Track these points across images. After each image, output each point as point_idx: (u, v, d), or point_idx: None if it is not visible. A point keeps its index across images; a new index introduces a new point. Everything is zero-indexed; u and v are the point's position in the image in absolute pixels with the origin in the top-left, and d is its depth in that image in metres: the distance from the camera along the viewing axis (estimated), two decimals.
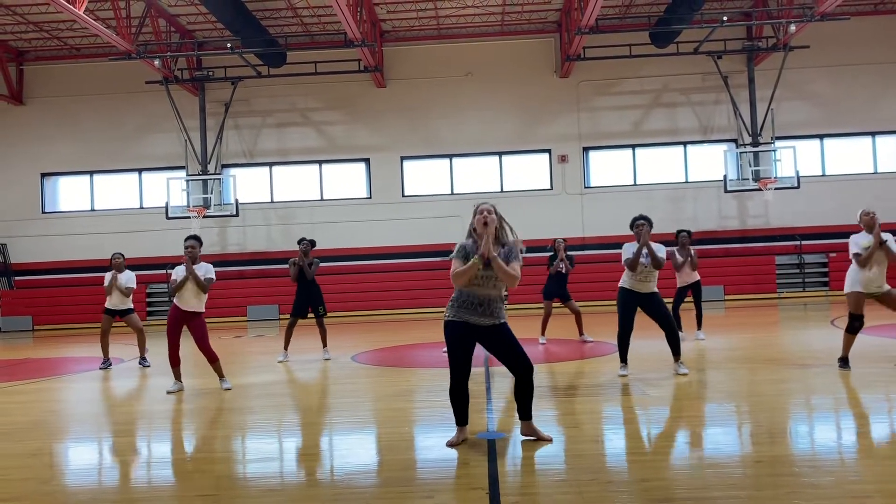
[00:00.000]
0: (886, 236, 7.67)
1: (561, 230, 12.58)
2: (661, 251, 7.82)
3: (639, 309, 7.89)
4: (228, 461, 5.36)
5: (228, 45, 19.50)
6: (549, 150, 22.05)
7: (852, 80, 21.46)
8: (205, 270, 8.19)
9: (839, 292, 19.85)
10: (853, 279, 7.77)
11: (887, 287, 7.72)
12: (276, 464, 5.27)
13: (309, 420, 6.78)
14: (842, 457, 4.80)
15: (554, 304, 11.62)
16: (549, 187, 22.03)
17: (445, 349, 11.15)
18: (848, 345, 7.87)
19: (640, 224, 7.88)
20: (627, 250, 7.88)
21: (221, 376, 8.37)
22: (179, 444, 6.10)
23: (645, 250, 7.77)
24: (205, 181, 21.45)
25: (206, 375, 9.01)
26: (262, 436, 6.14)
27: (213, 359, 8.31)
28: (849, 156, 21.82)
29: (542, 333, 11.44)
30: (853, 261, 7.72)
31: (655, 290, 7.89)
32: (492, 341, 5.25)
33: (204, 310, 8.27)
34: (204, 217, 20.97)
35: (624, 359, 8.04)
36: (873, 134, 21.78)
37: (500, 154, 22.17)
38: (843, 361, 7.84)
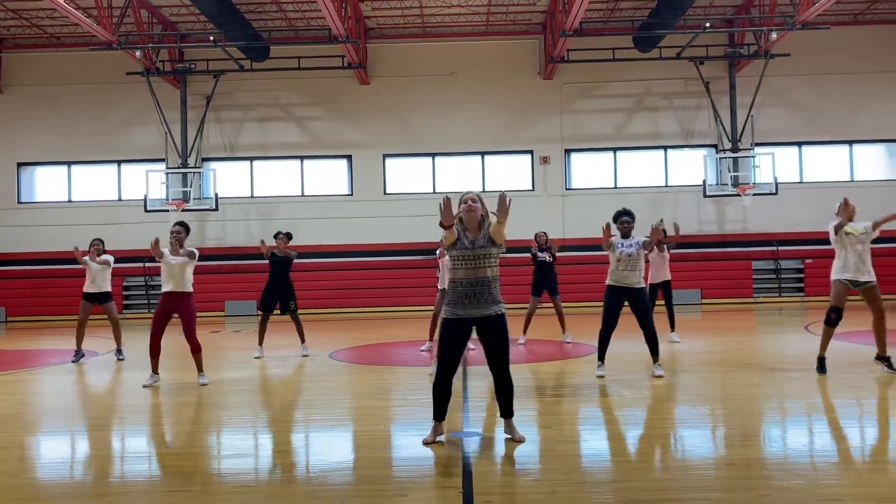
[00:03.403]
0: (866, 224, 7.84)
1: (542, 231, 12.61)
2: (641, 243, 7.99)
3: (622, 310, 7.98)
4: (203, 457, 5.33)
5: (211, 37, 19.34)
6: (531, 152, 22.11)
7: (831, 88, 21.71)
8: (190, 251, 8.21)
9: (814, 298, 20.34)
10: (836, 266, 7.93)
11: (872, 279, 7.83)
12: (250, 460, 5.25)
13: (285, 417, 6.76)
14: (813, 461, 4.87)
15: (542, 303, 11.65)
16: (531, 188, 22.09)
17: (423, 347, 11.18)
18: (826, 340, 7.99)
19: (625, 221, 8.06)
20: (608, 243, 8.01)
21: (200, 370, 8.33)
22: (154, 439, 6.06)
23: (633, 242, 7.92)
24: (184, 174, 21.26)
25: (184, 370, 8.95)
26: (238, 432, 6.11)
27: (196, 349, 8.28)
28: (826, 164, 22.08)
29: (524, 332, 11.45)
30: (832, 237, 7.89)
31: (642, 285, 7.97)
32: (485, 333, 5.25)
33: (191, 290, 8.23)
34: (183, 210, 20.76)
35: (602, 357, 8.11)
36: (851, 143, 22.05)
37: (482, 154, 22.18)
38: (821, 363, 7.94)
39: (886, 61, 21.72)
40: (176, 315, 8.20)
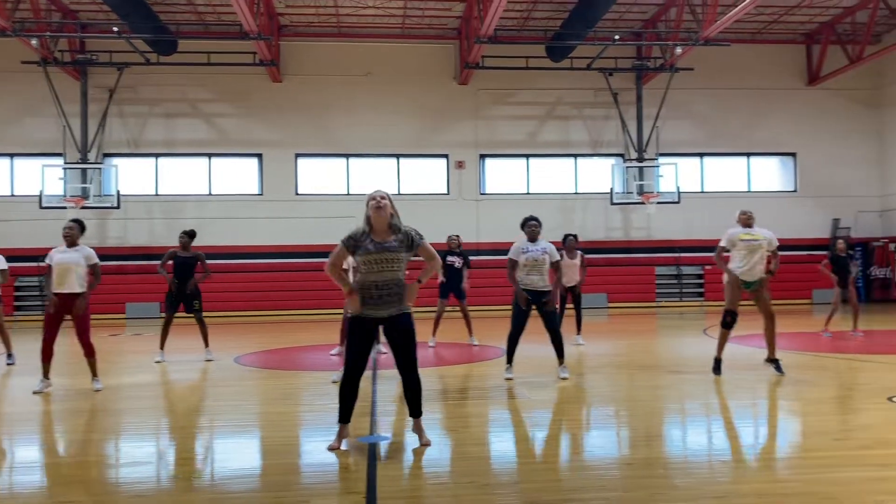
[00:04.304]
0: (767, 233, 8.26)
1: (455, 234, 12.71)
2: (554, 255, 8.13)
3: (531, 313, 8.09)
4: (100, 465, 5.09)
5: (115, 28, 18.59)
6: (446, 156, 22.24)
7: (731, 103, 22.80)
8: (88, 255, 7.81)
9: (713, 303, 21.26)
10: (730, 268, 8.27)
11: (763, 278, 8.20)
12: (150, 468, 5.05)
13: (187, 423, 6.54)
14: (710, 459, 5.07)
15: (449, 306, 11.72)
16: (446, 192, 22.21)
17: (332, 352, 11.04)
18: (722, 342, 8.36)
19: (533, 224, 8.14)
20: (514, 251, 8.08)
21: (94, 375, 7.96)
22: (47, 448, 5.75)
23: (540, 247, 8.01)
24: (84, 170, 20.33)
25: (77, 374, 8.55)
26: (135, 439, 5.87)
27: (89, 353, 7.90)
28: (725, 174, 23.18)
29: (433, 335, 11.51)
30: (717, 254, 8.41)
31: (548, 288, 8.08)
32: (391, 331, 5.22)
33: (85, 290, 7.82)
34: (82, 208, 19.86)
35: (510, 360, 8.21)
36: (748, 155, 23.22)
37: (398, 157, 22.15)
38: (717, 364, 8.30)
39: (781, 78, 22.99)
40: (68, 317, 7.80)
